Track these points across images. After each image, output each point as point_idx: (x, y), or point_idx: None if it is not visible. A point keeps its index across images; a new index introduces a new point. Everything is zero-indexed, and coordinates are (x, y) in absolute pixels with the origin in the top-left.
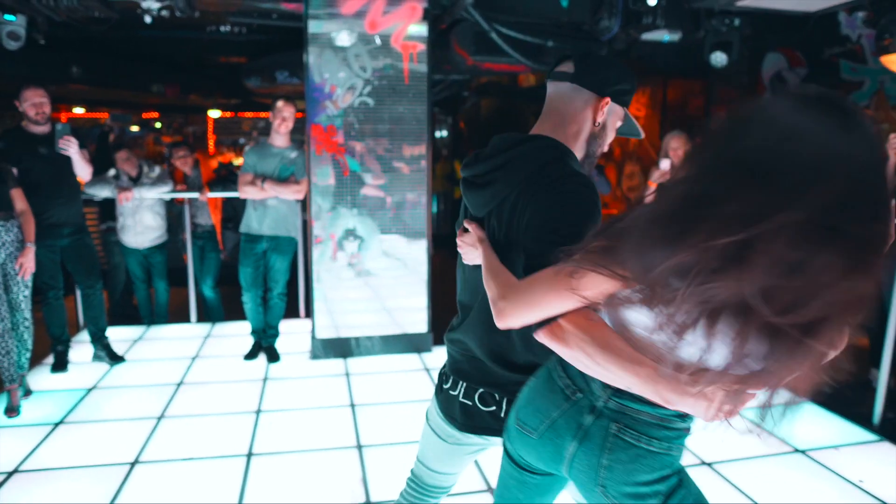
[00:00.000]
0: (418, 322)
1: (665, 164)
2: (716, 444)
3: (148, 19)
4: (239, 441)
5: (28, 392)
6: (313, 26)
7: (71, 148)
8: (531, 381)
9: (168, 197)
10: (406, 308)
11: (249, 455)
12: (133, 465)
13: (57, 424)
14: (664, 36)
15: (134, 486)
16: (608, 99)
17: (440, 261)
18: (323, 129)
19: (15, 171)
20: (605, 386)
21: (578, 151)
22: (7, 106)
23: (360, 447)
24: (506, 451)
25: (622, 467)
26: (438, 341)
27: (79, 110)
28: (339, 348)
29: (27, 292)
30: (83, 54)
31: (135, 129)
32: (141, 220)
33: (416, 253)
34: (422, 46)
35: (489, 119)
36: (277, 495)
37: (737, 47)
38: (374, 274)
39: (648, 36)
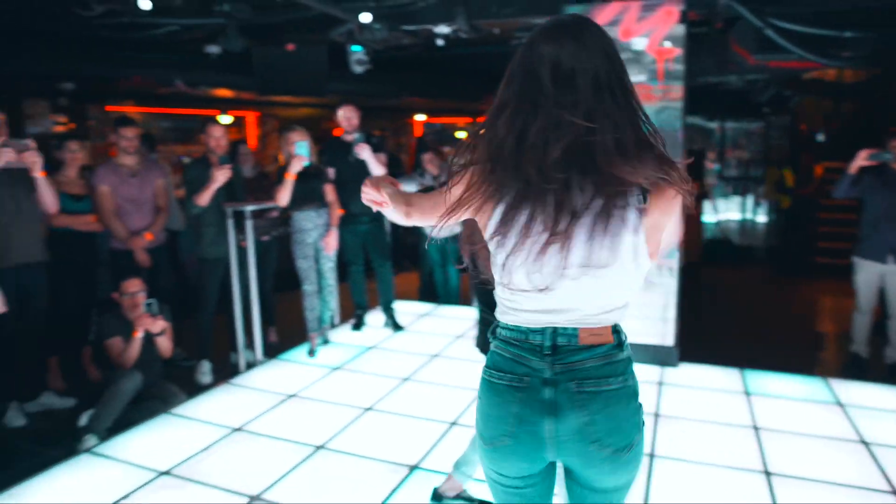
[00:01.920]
0: (664, 334)
1: None
2: None
3: (440, 42)
4: (450, 409)
5: (326, 341)
6: None
7: (363, 153)
8: (478, 405)
9: None
10: (652, 318)
11: (455, 423)
12: (366, 410)
13: (335, 369)
14: None
15: (361, 426)
16: None
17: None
18: None
19: (332, 171)
20: (543, 356)
21: None
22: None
23: None
24: (494, 484)
25: (601, 415)
26: (687, 357)
27: (420, 118)
28: None
29: (331, 265)
30: (415, 73)
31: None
32: None
33: (666, 260)
34: (678, 51)
35: (848, 122)
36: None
37: None
38: None
39: None
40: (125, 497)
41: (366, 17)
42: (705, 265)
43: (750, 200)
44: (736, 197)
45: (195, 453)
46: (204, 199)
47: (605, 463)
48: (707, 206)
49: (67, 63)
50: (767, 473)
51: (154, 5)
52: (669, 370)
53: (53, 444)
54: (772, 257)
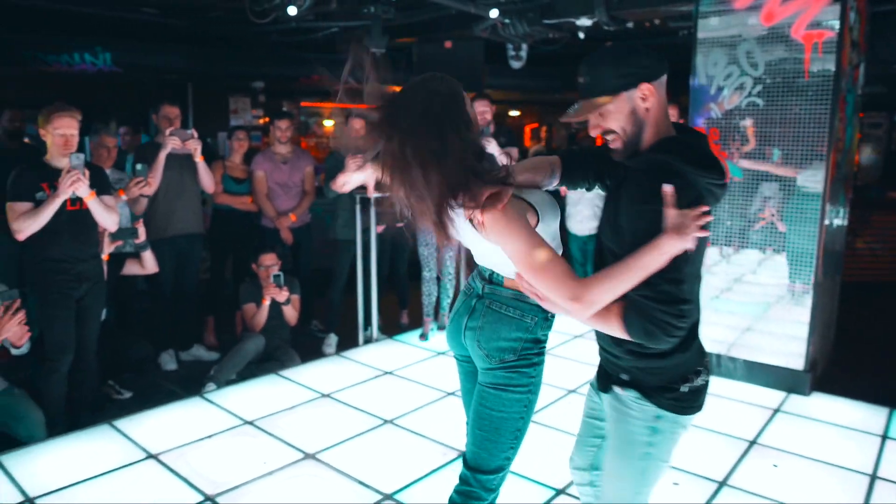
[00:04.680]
0: (793, 355)
1: None
2: None
3: (581, 35)
4: None
5: (441, 327)
6: (703, 25)
7: (489, 147)
8: None
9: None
10: (777, 334)
11: None
12: (449, 394)
13: (439, 354)
14: None
15: (436, 407)
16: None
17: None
18: (705, 132)
19: None
20: (482, 279)
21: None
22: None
23: None
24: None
25: (490, 327)
26: (825, 387)
27: None
28: None
29: (451, 253)
30: (566, 67)
31: None
32: (580, 210)
33: (801, 271)
34: (830, 34)
35: None
36: None
37: None
38: (747, 283)
39: None
40: (209, 437)
41: (493, 13)
42: (887, 287)
43: None
44: None
45: (281, 410)
46: (337, 184)
47: (480, 360)
48: None
49: (259, 64)
50: None
51: (314, 11)
52: (795, 398)
53: (189, 388)
54: None
